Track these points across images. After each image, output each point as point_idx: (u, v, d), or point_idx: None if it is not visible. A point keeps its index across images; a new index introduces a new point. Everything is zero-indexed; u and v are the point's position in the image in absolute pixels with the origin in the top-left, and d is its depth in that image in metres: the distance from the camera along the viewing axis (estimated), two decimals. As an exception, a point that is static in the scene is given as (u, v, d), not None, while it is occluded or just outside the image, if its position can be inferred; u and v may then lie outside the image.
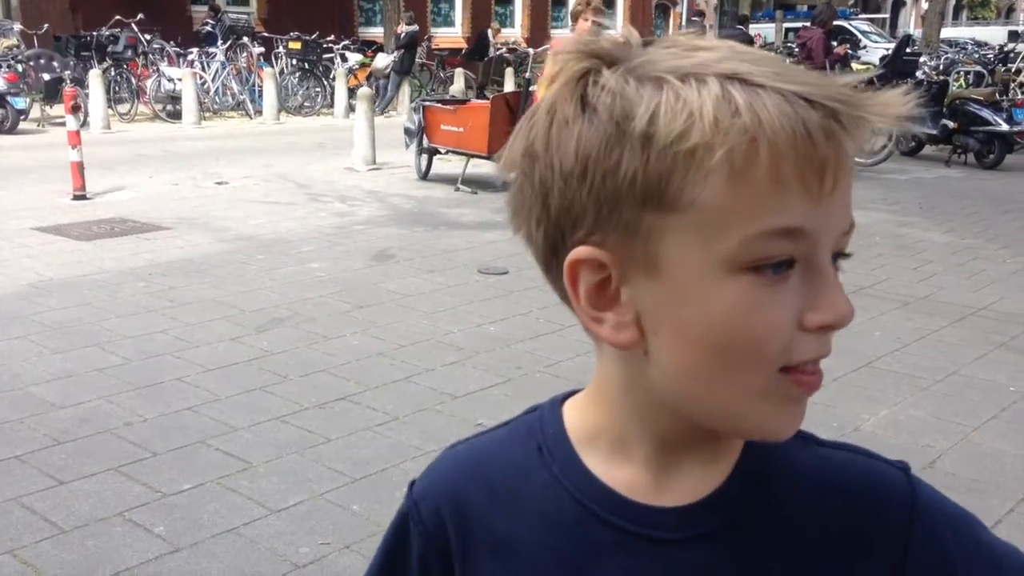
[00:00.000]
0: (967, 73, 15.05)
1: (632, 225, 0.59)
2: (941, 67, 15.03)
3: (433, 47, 21.22)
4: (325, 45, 17.74)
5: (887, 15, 40.35)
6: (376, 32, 21.96)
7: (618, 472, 0.69)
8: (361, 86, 14.48)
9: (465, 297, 5.57)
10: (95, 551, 2.81)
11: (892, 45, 16.25)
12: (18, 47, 15.36)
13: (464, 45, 23.13)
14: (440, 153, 9.78)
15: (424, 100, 10.52)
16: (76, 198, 8.23)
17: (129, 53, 15.29)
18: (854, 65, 14.69)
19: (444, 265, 6.32)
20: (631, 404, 0.67)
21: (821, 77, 0.58)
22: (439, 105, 9.96)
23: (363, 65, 18.00)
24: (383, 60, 17.45)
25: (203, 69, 15.78)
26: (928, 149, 12.11)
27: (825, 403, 3.86)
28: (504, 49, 20.74)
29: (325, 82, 16.84)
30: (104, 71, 14.08)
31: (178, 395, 3.99)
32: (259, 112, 15.72)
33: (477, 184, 9.22)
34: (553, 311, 4.91)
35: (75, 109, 8.65)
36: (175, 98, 14.80)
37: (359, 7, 23.37)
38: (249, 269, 6.12)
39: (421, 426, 3.73)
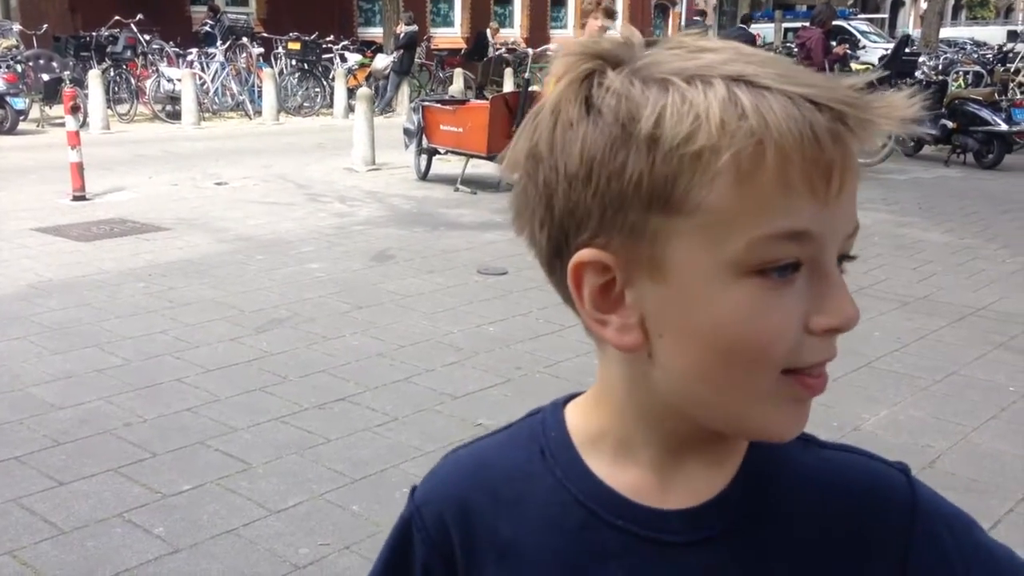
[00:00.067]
0: (966, 73, 15.06)
1: (637, 228, 0.58)
2: (940, 67, 15.05)
3: (432, 47, 21.22)
4: (324, 45, 17.73)
5: (886, 15, 40.39)
6: (375, 32, 21.97)
7: (622, 475, 0.69)
8: (360, 86, 14.45)
9: (465, 297, 5.56)
10: (95, 552, 2.81)
11: (891, 45, 16.27)
12: (17, 47, 15.32)
13: (463, 45, 23.12)
14: (439, 153, 9.78)
15: (423, 100, 10.51)
16: (75, 199, 8.22)
17: (128, 53, 15.27)
18: (853, 65, 14.69)
19: (444, 265, 6.32)
20: (635, 406, 0.67)
21: (827, 79, 0.58)
22: (438, 105, 9.95)
23: (362, 65, 17.99)
24: (382, 60, 17.43)
25: (202, 69, 15.77)
26: (927, 149, 12.12)
27: (825, 403, 3.85)
28: (503, 49, 20.72)
29: (324, 82, 16.84)
30: (103, 71, 14.07)
31: (178, 396, 3.99)
32: (258, 112, 15.72)
33: (476, 184, 9.23)
34: (553, 311, 4.91)
35: (74, 110, 8.64)
36: (174, 99, 14.78)
37: (358, 7, 23.38)
38: (249, 270, 6.12)
39: (421, 427, 3.73)
